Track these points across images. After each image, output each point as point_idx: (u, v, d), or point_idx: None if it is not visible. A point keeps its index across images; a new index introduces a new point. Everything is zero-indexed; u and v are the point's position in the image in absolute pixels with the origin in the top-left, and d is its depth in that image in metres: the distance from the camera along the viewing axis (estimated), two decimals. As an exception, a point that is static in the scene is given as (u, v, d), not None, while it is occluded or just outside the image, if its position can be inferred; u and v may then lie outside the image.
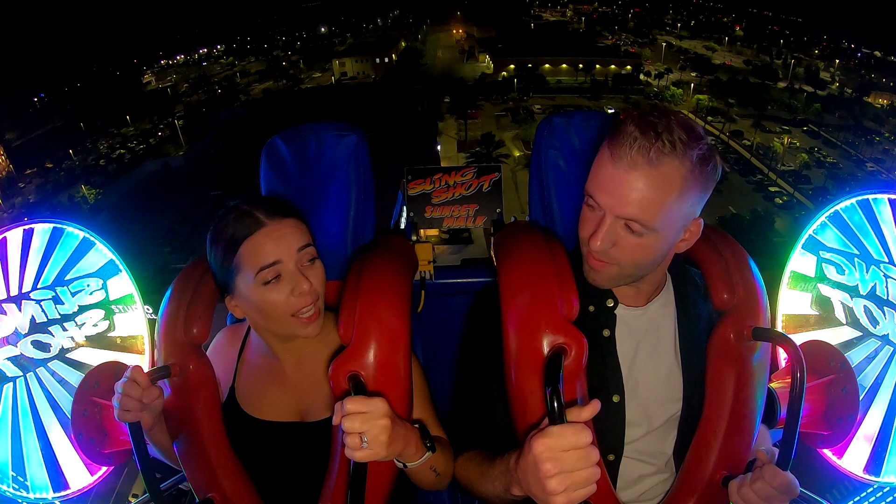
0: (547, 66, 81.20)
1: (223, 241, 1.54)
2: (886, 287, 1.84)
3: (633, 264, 1.46)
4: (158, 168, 55.73)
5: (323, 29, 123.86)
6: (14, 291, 1.98)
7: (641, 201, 1.35)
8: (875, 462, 1.86)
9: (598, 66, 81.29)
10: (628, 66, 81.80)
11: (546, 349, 1.42)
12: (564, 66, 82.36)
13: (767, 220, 38.08)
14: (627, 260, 1.45)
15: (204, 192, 44.74)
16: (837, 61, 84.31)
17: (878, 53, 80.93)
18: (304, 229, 1.60)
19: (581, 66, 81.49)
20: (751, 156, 54.69)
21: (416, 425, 1.52)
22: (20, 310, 1.98)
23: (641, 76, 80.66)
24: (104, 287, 2.04)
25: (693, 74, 77.99)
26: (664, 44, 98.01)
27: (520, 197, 37.34)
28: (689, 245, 1.51)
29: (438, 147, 48.58)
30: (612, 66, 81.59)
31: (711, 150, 1.37)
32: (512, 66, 79.19)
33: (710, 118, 64.12)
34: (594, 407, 1.18)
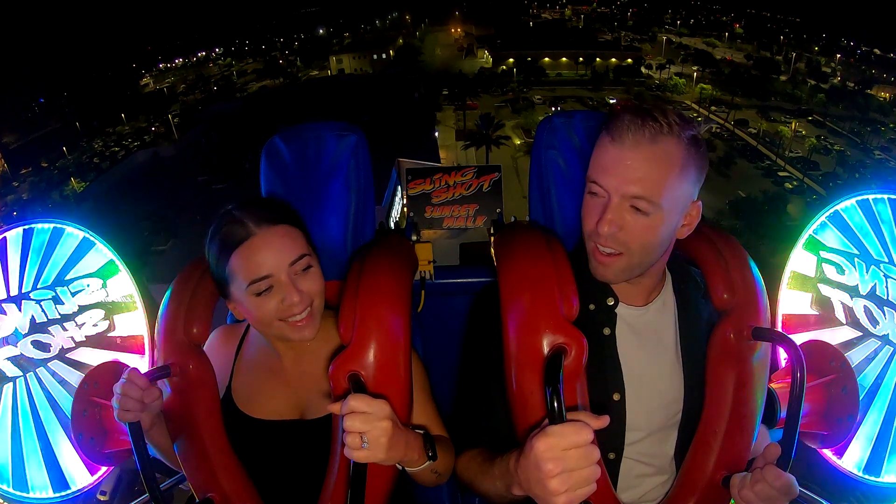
0: (547, 59, 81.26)
1: (216, 249, 1.54)
2: (886, 287, 1.84)
3: (642, 248, 1.47)
4: (148, 158, 54.97)
5: (321, 31, 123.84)
6: (14, 291, 1.98)
7: (646, 178, 1.39)
8: (875, 462, 1.86)
9: (598, 59, 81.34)
10: (629, 60, 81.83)
11: (546, 349, 1.42)
12: (564, 59, 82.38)
13: (781, 200, 38.29)
14: (636, 243, 1.46)
15: (191, 177, 44.49)
16: (838, 56, 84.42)
17: (877, 51, 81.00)
18: (296, 237, 1.58)
19: (581, 59, 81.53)
20: (757, 143, 54.99)
21: (421, 432, 1.52)
22: (20, 310, 1.98)
23: (643, 69, 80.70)
24: (104, 287, 2.04)
25: (694, 68, 78.07)
26: (665, 38, 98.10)
27: (521, 182, 38.39)
28: (691, 230, 1.54)
29: (436, 133, 48.56)
30: (613, 60, 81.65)
31: (699, 133, 1.45)
32: (511, 60, 79.21)
33: (713, 108, 64.30)
34: (603, 420, 1.18)
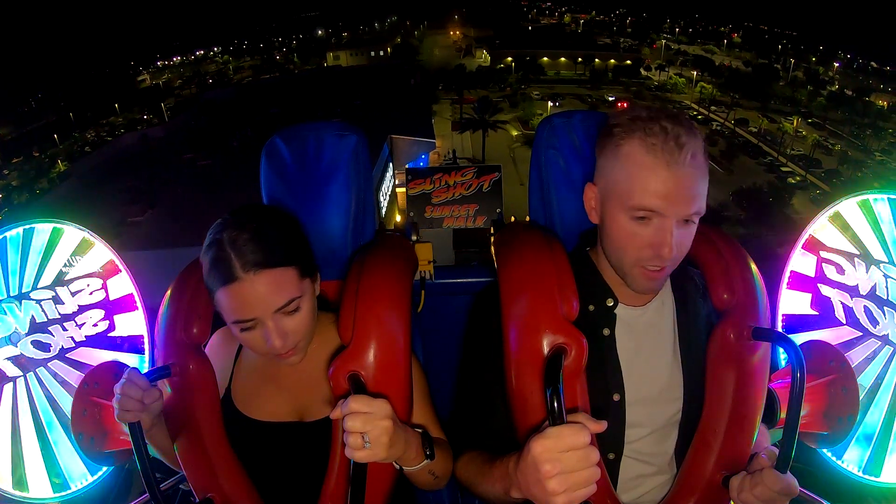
0: (545, 59, 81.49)
1: (206, 268, 1.48)
2: (886, 287, 1.84)
3: (683, 254, 1.48)
4: (135, 140, 53.57)
5: (320, 31, 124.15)
6: (14, 291, 1.98)
7: (699, 193, 1.40)
8: (875, 462, 1.86)
9: (597, 59, 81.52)
10: (628, 61, 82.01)
11: (546, 349, 1.42)
12: (563, 59, 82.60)
13: (786, 191, 38.57)
14: (682, 253, 1.46)
15: (177, 155, 43.93)
16: (836, 65, 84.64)
17: (874, 64, 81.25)
18: (287, 280, 1.48)
19: (580, 59, 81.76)
20: (758, 141, 55.41)
21: (419, 430, 1.52)
22: (20, 310, 1.98)
23: (642, 70, 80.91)
24: (104, 287, 2.04)
25: (693, 72, 78.20)
26: (663, 43, 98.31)
27: (518, 170, 40.49)
28: None
29: (433, 120, 48.61)
30: (612, 61, 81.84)
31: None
32: (509, 59, 79.36)
33: (713, 108, 64.64)
34: (601, 425, 1.18)
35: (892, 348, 1.85)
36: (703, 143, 1.40)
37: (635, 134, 1.41)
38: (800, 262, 2.00)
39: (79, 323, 2.03)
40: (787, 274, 2.01)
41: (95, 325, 2.04)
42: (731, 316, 1.58)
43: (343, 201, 1.96)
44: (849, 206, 1.92)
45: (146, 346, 2.05)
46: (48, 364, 2.01)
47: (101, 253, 2.04)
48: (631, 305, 1.64)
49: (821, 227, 1.96)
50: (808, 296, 1.99)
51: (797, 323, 2.00)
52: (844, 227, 1.92)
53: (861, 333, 1.90)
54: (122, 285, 2.05)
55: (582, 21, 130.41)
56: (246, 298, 1.43)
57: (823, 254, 1.95)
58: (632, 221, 1.45)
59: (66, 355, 2.02)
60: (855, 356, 1.88)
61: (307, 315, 1.55)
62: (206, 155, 41.89)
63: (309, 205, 1.93)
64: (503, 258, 1.64)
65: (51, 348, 2.00)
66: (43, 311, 1.99)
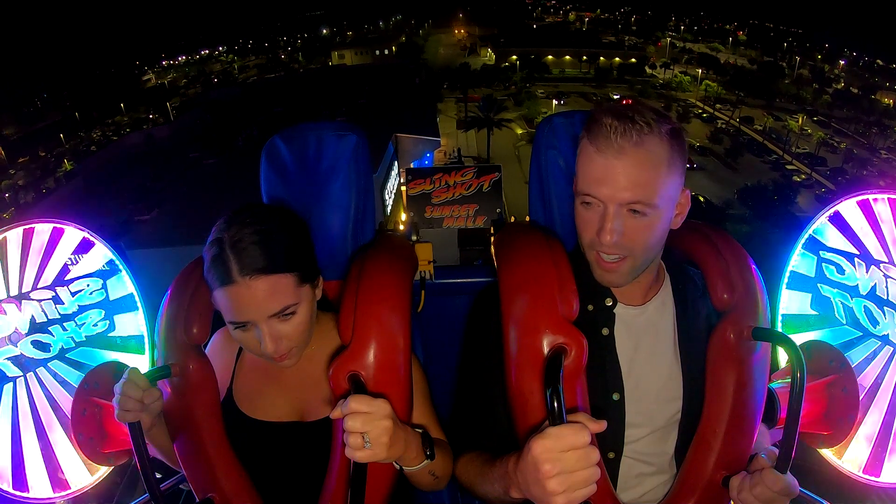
0: (550, 57, 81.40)
1: (205, 266, 1.48)
2: (886, 287, 1.83)
3: (644, 248, 1.48)
4: (141, 140, 54.33)
5: (325, 31, 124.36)
6: (14, 291, 1.98)
7: (638, 183, 1.39)
8: (875, 462, 1.85)
9: (602, 58, 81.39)
10: (633, 59, 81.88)
11: (546, 349, 1.42)
12: (568, 57, 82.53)
13: (791, 190, 38.46)
14: (639, 245, 1.46)
15: (183, 154, 44.27)
16: (842, 63, 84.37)
17: (880, 62, 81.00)
18: (284, 286, 1.47)
19: (585, 57, 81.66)
20: (763, 139, 55.27)
21: (419, 430, 1.52)
22: (20, 310, 1.98)
23: (647, 68, 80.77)
24: (104, 287, 2.04)
25: (699, 70, 78.01)
26: (668, 39, 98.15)
27: (522, 168, 40.66)
28: (683, 218, 1.55)
29: (438, 119, 48.36)
30: (617, 59, 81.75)
31: (676, 125, 1.45)
32: (514, 57, 79.29)
33: (718, 105, 64.39)
34: (601, 424, 1.18)
35: (892, 348, 1.84)
36: (659, 136, 1.39)
37: (586, 130, 1.47)
38: (800, 261, 1.99)
39: (79, 323, 2.03)
40: (787, 274, 2.01)
41: (95, 325, 2.04)
42: (730, 316, 1.57)
43: (343, 201, 1.96)
44: (849, 206, 1.91)
45: (146, 346, 2.05)
46: (48, 364, 2.01)
47: (102, 253, 2.04)
48: (630, 305, 1.63)
49: (821, 227, 1.96)
50: (809, 296, 1.98)
51: (797, 323, 2.00)
52: (844, 227, 1.91)
53: (861, 333, 1.89)
54: (123, 285, 2.06)
55: (587, 19, 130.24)
56: (241, 302, 1.44)
57: (823, 254, 1.95)
58: (581, 207, 1.51)
59: (66, 355, 2.03)
60: (855, 356, 1.88)
61: (303, 321, 1.54)
62: (211, 154, 41.95)
63: (309, 205, 1.93)
64: (503, 258, 1.64)
65: (51, 348, 2.01)
66: (43, 311, 2.00)
